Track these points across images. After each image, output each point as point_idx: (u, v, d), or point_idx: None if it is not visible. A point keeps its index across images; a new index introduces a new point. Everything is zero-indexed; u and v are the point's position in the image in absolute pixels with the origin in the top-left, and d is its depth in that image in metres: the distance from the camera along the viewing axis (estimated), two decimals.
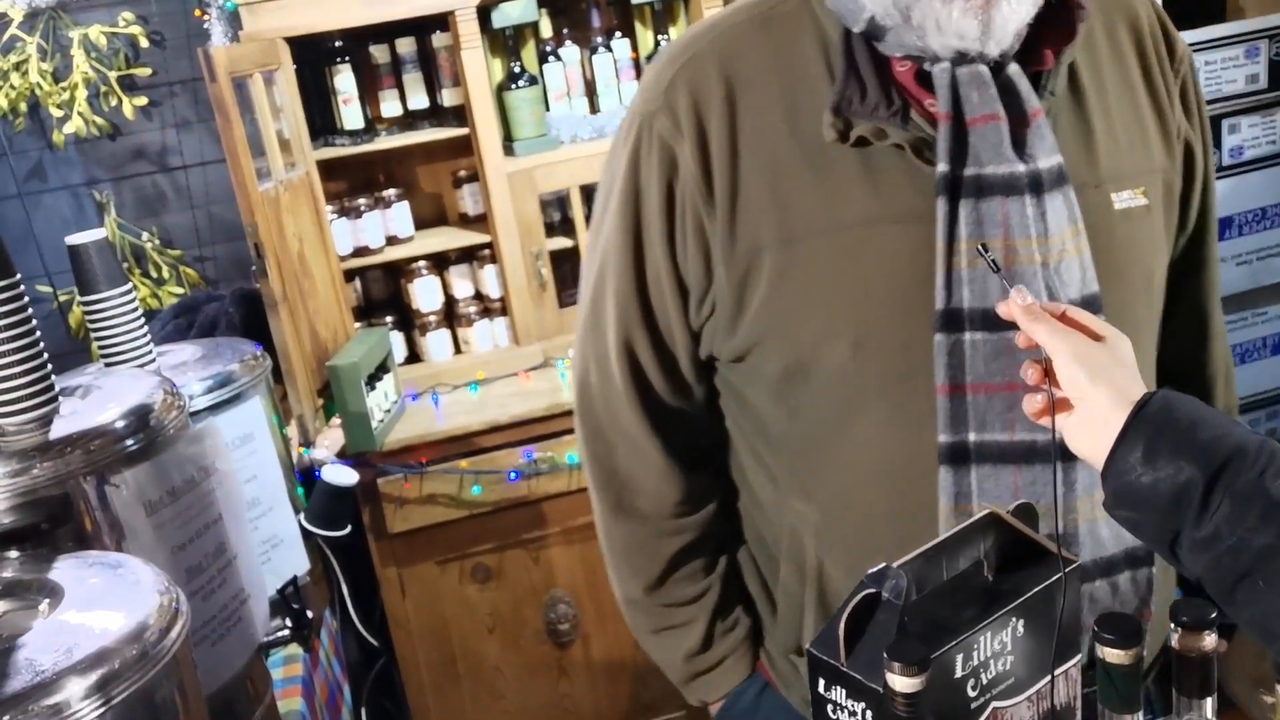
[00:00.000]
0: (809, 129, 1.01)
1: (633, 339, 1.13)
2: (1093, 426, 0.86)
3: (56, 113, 2.81)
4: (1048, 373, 0.88)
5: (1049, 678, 0.81)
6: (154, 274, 2.96)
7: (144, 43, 2.83)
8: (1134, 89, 1.09)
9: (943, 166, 0.97)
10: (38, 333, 1.10)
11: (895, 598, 0.74)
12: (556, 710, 2.65)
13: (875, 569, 0.76)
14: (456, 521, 2.48)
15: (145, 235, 2.95)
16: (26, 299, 1.09)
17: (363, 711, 2.41)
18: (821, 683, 0.77)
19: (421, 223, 2.85)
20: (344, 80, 2.67)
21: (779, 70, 1.04)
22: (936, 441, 0.99)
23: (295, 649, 1.71)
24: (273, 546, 1.65)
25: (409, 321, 2.82)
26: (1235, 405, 1.30)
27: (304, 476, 2.07)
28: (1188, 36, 2.26)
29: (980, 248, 0.93)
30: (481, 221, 2.79)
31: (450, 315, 2.81)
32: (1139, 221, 1.06)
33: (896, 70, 1.01)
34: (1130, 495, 0.82)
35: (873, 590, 0.76)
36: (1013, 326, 0.96)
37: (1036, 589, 0.80)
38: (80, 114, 2.80)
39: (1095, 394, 0.85)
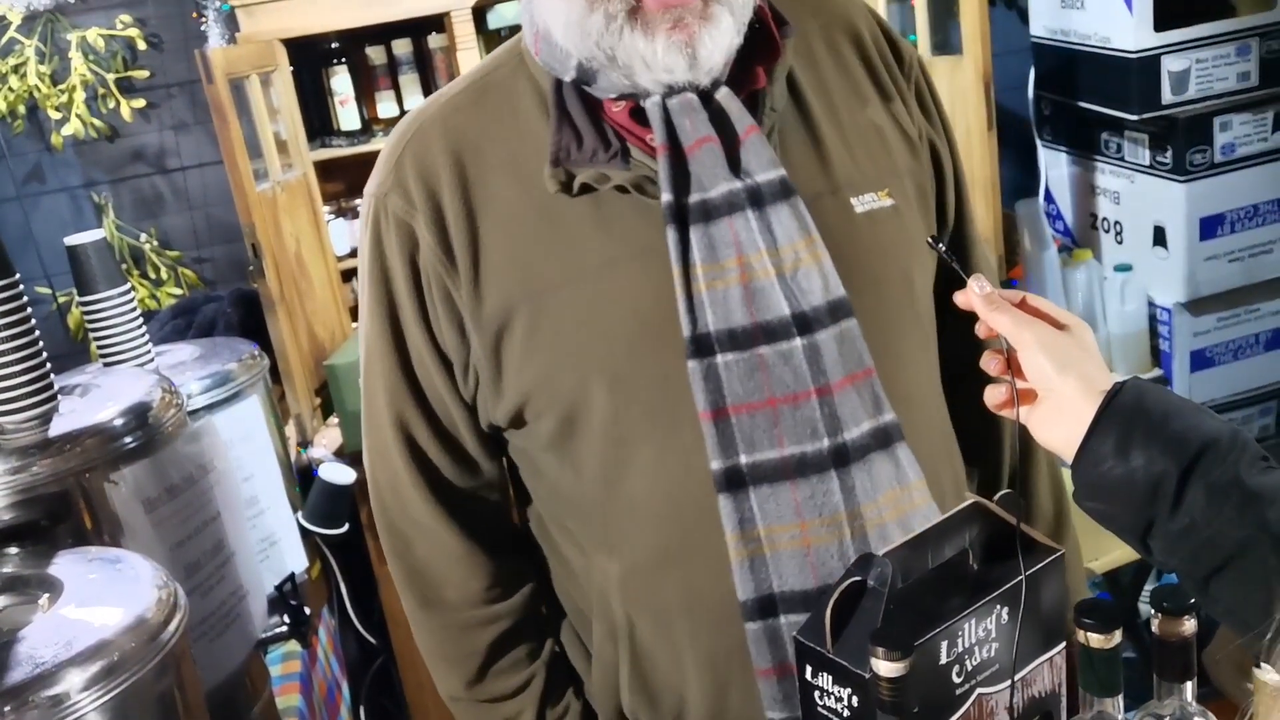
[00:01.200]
0: (537, 185, 1.01)
1: (408, 423, 1.10)
2: (1062, 418, 0.85)
3: (55, 115, 2.82)
4: (1010, 363, 0.87)
5: (1032, 665, 0.82)
6: (152, 275, 2.97)
7: (141, 45, 2.84)
8: (865, 99, 1.08)
9: (666, 196, 0.97)
10: (37, 332, 1.11)
11: (880, 585, 0.76)
12: None
13: (861, 556, 0.78)
14: None
15: (143, 236, 2.96)
16: (26, 298, 1.10)
17: (361, 710, 2.42)
18: (808, 670, 0.78)
19: None
20: (340, 81, 2.68)
21: (503, 133, 1.04)
22: (710, 470, 0.98)
23: (294, 646, 1.72)
24: (271, 544, 1.67)
25: None
26: None
27: (302, 476, 2.08)
28: (1179, 35, 2.28)
29: (930, 240, 0.93)
30: None
31: None
32: (887, 223, 1.04)
33: (611, 111, 1.01)
34: (1102, 488, 0.81)
35: (859, 578, 0.77)
36: (762, 342, 0.96)
37: (1019, 577, 0.81)
38: (78, 116, 2.81)
39: (1064, 384, 0.84)
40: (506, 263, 1.02)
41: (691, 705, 1.08)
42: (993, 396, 0.90)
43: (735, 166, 0.98)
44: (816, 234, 0.98)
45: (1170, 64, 2.27)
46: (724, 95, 0.99)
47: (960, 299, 0.90)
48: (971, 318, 0.97)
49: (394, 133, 1.10)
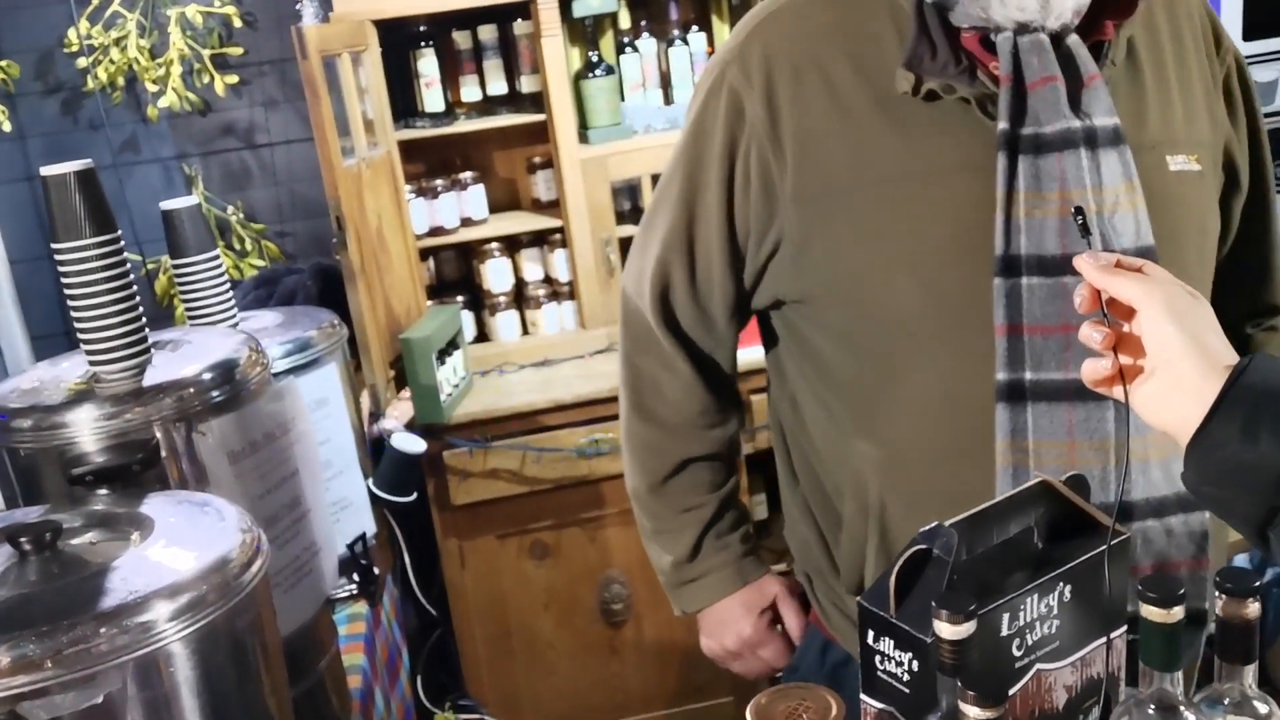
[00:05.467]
0: (879, 84, 1.08)
1: (670, 266, 1.22)
2: (1178, 395, 0.79)
3: (152, 88, 2.91)
4: (1115, 335, 0.82)
5: (1095, 645, 0.82)
6: (237, 246, 3.05)
7: (237, 23, 2.92)
8: (1188, 68, 1.15)
9: (1003, 124, 1.03)
10: (134, 286, 1.16)
11: (945, 554, 0.77)
12: (606, 689, 2.70)
13: (927, 527, 0.79)
14: (517, 497, 2.53)
15: (230, 209, 3.05)
16: (125, 254, 1.16)
17: (418, 679, 2.47)
18: (871, 634, 0.79)
19: (495, 206, 2.91)
20: (427, 64, 2.74)
21: (849, 33, 1.11)
22: (994, 380, 1.03)
23: (360, 608, 1.77)
24: (342, 509, 1.71)
25: (479, 302, 2.89)
26: None
27: (373, 445, 2.14)
28: (1268, 45, 2.24)
29: (1075, 211, 0.93)
30: (553, 208, 2.84)
31: (519, 297, 2.86)
32: (1192, 184, 1.11)
33: (963, 37, 1.07)
34: (1223, 472, 0.76)
35: (923, 546, 0.79)
36: (1069, 272, 1.00)
37: (1085, 556, 0.82)
38: (174, 89, 2.90)
39: (1185, 356, 0.78)
40: (835, 149, 1.10)
41: None
42: (1092, 371, 0.86)
43: (1075, 107, 1.04)
44: (1138, 183, 1.04)
45: (1258, 74, 2.24)
46: (1074, 42, 1.05)
47: (1076, 263, 0.88)
48: (1247, 276, 1.10)
49: (748, 15, 1.19)
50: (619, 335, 1.34)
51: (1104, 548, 0.81)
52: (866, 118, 1.09)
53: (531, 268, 2.85)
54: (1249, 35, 2.24)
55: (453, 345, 2.55)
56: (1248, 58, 2.23)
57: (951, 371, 1.08)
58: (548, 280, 2.86)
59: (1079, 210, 0.91)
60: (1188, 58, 1.15)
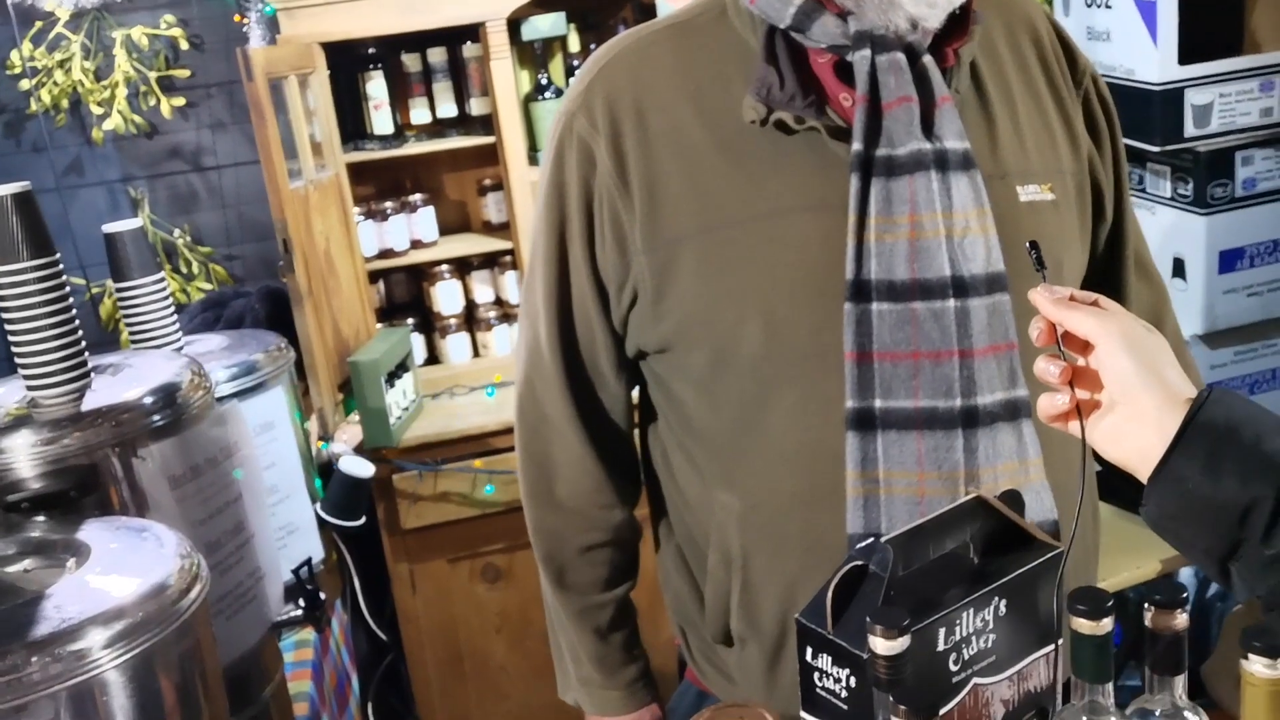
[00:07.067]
0: (724, 125, 1.06)
1: (559, 325, 1.18)
2: (1138, 429, 0.78)
3: (97, 110, 2.89)
4: (1071, 370, 0.81)
5: (1031, 659, 0.83)
6: (184, 270, 3.02)
7: (184, 45, 2.91)
8: (1039, 96, 1.12)
9: (857, 146, 1.01)
10: (73, 310, 1.15)
11: (881, 570, 0.77)
12: (559, 712, 2.66)
13: (864, 544, 0.80)
14: (468, 520, 2.52)
15: (177, 232, 3.02)
16: (65, 277, 1.15)
17: (369, 705, 2.44)
18: (809, 651, 0.80)
19: (446, 229, 2.91)
20: (376, 86, 2.73)
21: (692, 71, 1.09)
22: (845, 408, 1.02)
23: (307, 635, 1.76)
24: (289, 533, 1.69)
25: (429, 324, 2.88)
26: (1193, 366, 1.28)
27: (321, 471, 2.12)
28: (1203, 69, 2.29)
29: (1030, 245, 0.90)
30: (504, 230, 2.84)
31: (470, 319, 2.86)
32: (1045, 214, 1.08)
33: (816, 63, 1.05)
34: (1185, 507, 0.76)
35: (860, 562, 0.79)
36: (917, 298, 0.99)
37: (1020, 570, 0.82)
38: (120, 112, 2.87)
39: (1144, 390, 0.78)
40: (685, 192, 1.07)
41: (794, 631, 1.12)
42: (1049, 406, 0.85)
43: (928, 129, 1.02)
44: (989, 208, 1.02)
45: (1193, 97, 2.29)
46: (928, 62, 1.03)
47: (1031, 297, 0.87)
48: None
49: (591, 58, 1.15)
50: (516, 428, 1.28)
51: (1038, 561, 0.82)
52: (710, 160, 1.06)
53: (482, 290, 2.85)
54: (1184, 59, 2.28)
55: (402, 368, 2.54)
56: (1183, 81, 2.29)
57: (804, 417, 1.05)
58: (499, 302, 2.86)
59: (1034, 244, 0.89)
60: (1036, 85, 1.12)
